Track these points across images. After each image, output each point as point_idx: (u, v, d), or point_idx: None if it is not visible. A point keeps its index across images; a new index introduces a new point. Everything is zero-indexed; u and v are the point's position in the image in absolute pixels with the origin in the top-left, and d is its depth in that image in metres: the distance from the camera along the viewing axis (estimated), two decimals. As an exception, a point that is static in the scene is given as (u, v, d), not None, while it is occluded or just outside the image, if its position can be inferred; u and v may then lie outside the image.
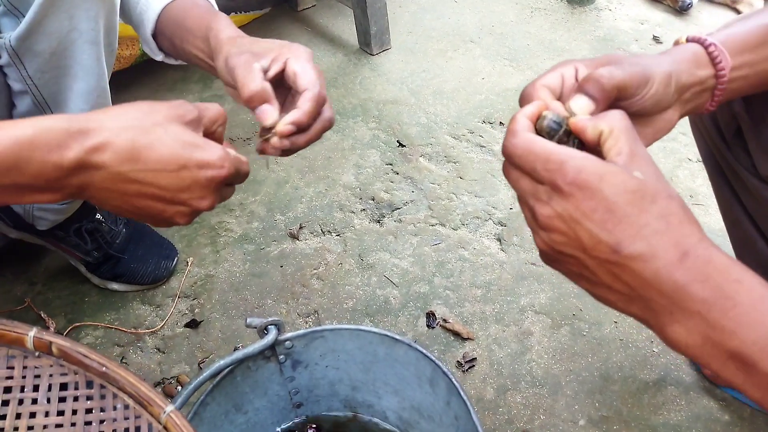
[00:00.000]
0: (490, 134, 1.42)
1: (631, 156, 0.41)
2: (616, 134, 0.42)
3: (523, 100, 0.48)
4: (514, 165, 0.43)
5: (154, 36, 0.74)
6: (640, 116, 0.51)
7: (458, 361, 0.98)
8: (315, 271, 1.14)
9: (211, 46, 0.63)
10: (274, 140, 0.58)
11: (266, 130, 0.58)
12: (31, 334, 0.42)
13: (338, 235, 1.20)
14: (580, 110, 0.45)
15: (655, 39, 1.70)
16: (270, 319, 0.64)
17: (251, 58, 0.59)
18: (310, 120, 0.58)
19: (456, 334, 1.02)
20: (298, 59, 0.60)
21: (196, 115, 0.52)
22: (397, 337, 0.65)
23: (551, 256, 0.43)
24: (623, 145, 0.41)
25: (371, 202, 1.27)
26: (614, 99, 0.47)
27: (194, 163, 0.49)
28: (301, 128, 0.58)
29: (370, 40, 1.62)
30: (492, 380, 0.96)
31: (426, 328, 1.04)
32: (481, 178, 1.31)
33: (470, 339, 1.01)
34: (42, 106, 0.76)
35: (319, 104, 0.59)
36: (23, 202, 0.48)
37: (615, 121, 0.42)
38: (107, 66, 0.78)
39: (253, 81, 0.58)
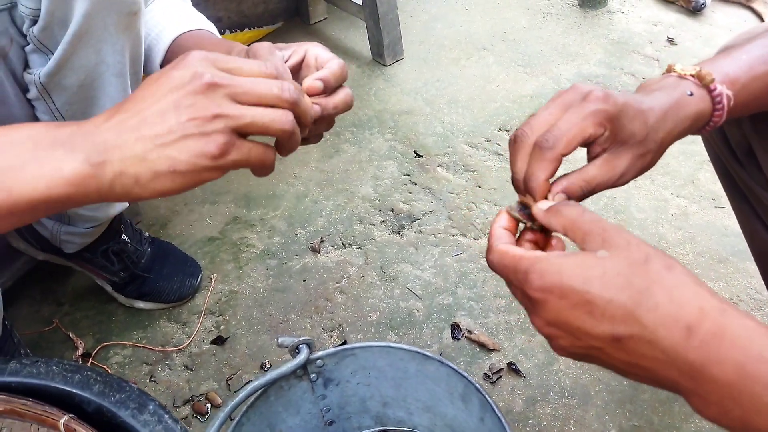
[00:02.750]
0: (507, 142, 1.41)
1: (598, 238, 0.41)
2: (575, 226, 0.42)
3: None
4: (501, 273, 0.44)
5: (162, 66, 0.75)
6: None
7: (485, 373, 0.98)
8: (338, 284, 1.14)
9: None
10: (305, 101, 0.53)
11: None
12: (62, 420, 0.42)
13: (359, 248, 1.21)
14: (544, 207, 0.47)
15: (670, 41, 1.69)
16: (301, 338, 0.64)
17: (272, 47, 0.59)
18: (335, 81, 0.55)
19: (482, 346, 1.02)
20: (317, 47, 0.60)
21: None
22: (428, 353, 0.65)
23: (572, 356, 0.42)
24: (586, 232, 0.41)
25: (390, 213, 1.27)
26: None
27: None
28: (327, 89, 0.55)
29: (383, 51, 1.63)
30: (520, 392, 0.96)
31: (451, 340, 1.03)
32: (500, 187, 1.31)
33: (496, 350, 1.01)
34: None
35: (344, 73, 0.56)
36: (55, 195, 0.43)
37: (570, 215, 0.43)
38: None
39: (275, 61, 0.55)
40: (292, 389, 0.66)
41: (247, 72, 0.46)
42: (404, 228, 1.24)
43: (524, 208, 0.49)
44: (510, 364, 0.99)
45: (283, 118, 0.45)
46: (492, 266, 0.44)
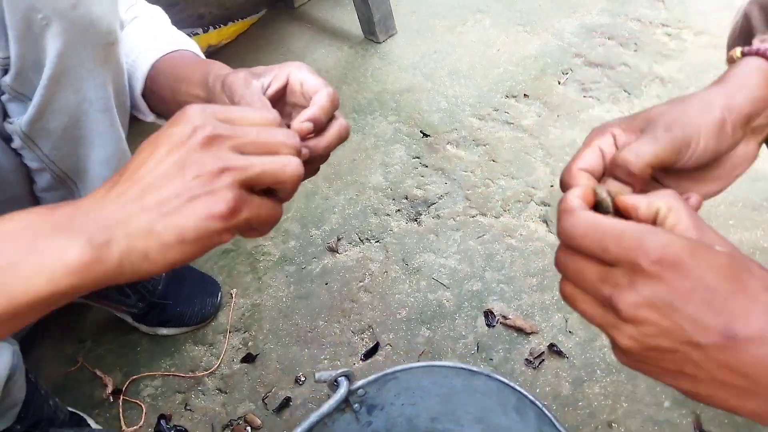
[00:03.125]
0: (516, 109, 1.35)
1: (701, 232, 0.36)
2: (677, 211, 0.37)
3: (564, 188, 0.44)
4: (575, 248, 0.37)
5: (144, 95, 0.71)
6: (702, 169, 0.46)
7: (526, 359, 0.94)
8: (361, 283, 1.10)
9: (210, 86, 0.58)
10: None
11: None
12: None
13: (378, 242, 1.16)
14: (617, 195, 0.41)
15: (674, -25, 1.59)
16: (339, 371, 0.61)
17: (249, 76, 0.54)
18: (326, 117, 0.52)
19: (519, 330, 0.98)
20: (301, 70, 0.55)
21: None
22: (474, 368, 0.62)
23: (639, 356, 0.35)
24: (688, 221, 0.36)
25: (405, 201, 1.22)
26: (653, 172, 0.43)
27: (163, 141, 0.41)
28: (318, 128, 0.51)
29: (374, 28, 1.55)
30: (565, 373, 0.93)
31: (486, 328, 1.00)
32: (514, 158, 1.25)
33: (534, 333, 0.97)
34: (62, 179, 0.73)
35: (334, 103, 0.52)
36: (59, 289, 0.39)
37: (671, 199, 0.37)
38: (123, 126, 0.74)
39: (252, 96, 0.52)
40: (336, 423, 0.63)
41: (249, 121, 0.43)
42: (421, 214, 1.19)
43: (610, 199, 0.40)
44: (551, 346, 0.95)
45: (292, 165, 0.42)
46: (572, 230, 0.37)
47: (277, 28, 1.69)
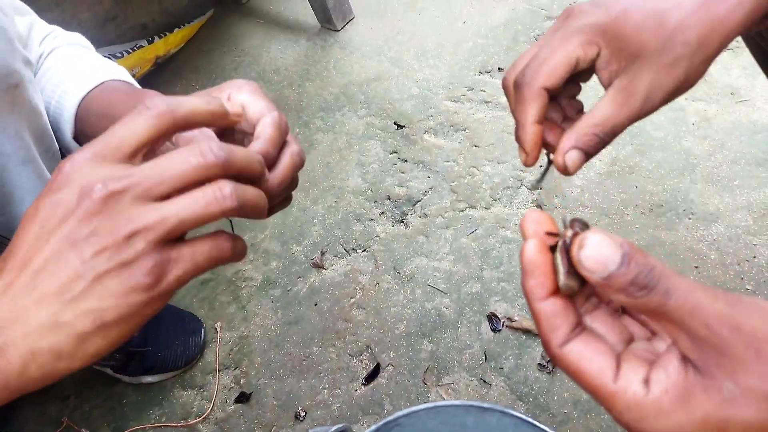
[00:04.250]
0: (492, 85, 1.27)
1: (714, 348, 0.26)
2: (671, 317, 0.26)
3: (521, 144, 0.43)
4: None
5: (77, 138, 0.62)
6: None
7: (539, 364, 0.88)
8: (352, 300, 1.03)
9: None
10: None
11: None
12: None
13: (365, 251, 1.09)
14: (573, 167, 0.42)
15: None
16: (336, 426, 0.54)
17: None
18: (276, 149, 0.43)
19: (527, 332, 0.92)
20: (241, 91, 0.46)
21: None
22: (486, 405, 0.55)
23: None
24: (696, 335, 0.26)
25: (387, 202, 1.14)
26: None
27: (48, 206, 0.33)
28: (269, 163, 0.42)
29: (329, 14, 1.45)
30: (581, 374, 0.86)
31: (492, 334, 0.93)
32: (497, 141, 1.17)
33: (543, 333, 0.91)
34: (1, 242, 0.64)
35: (282, 129, 0.44)
36: None
37: (659, 297, 0.27)
38: (52, 171, 0.65)
39: (193, 135, 0.43)
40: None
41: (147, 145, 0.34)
42: (407, 215, 1.11)
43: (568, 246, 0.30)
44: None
45: (219, 195, 0.33)
46: (562, 368, 0.30)
47: (227, 28, 1.58)
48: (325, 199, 1.17)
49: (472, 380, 0.89)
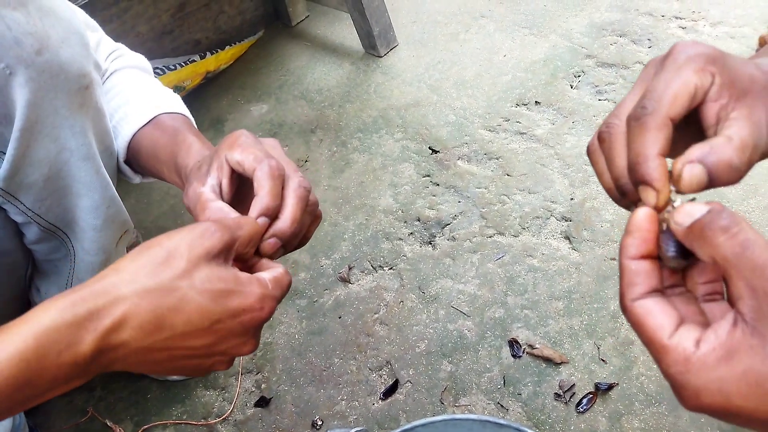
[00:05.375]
0: (528, 117, 1.29)
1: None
2: (742, 270, 0.30)
3: (636, 176, 0.36)
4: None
5: (127, 161, 0.69)
6: None
7: (556, 393, 0.88)
8: (376, 315, 1.05)
9: (184, 178, 0.57)
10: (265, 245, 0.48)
11: None
12: None
13: (391, 269, 1.11)
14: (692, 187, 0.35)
15: (685, -35, 1.52)
16: (354, 429, 0.55)
17: (197, 185, 0.51)
18: (276, 199, 0.48)
19: (547, 360, 0.92)
20: (233, 150, 0.51)
21: (225, 242, 0.44)
22: (502, 421, 0.56)
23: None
24: (756, 289, 0.29)
25: (417, 223, 1.17)
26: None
27: (229, 314, 0.42)
28: (274, 213, 0.48)
29: (374, 41, 1.50)
30: (601, 407, 0.86)
31: (512, 359, 0.94)
32: (530, 171, 1.19)
33: (564, 363, 0.91)
34: (51, 230, 0.69)
35: (277, 177, 0.49)
36: (47, 398, 0.41)
37: (735, 245, 0.30)
38: (110, 171, 0.70)
39: (204, 213, 0.50)
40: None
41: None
42: (435, 237, 1.14)
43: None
44: (585, 378, 0.89)
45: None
46: (626, 314, 0.34)
47: (275, 48, 1.65)
48: (357, 216, 1.20)
49: (489, 403, 0.90)
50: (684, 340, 0.30)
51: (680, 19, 1.43)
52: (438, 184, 1.22)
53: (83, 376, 0.41)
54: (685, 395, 0.29)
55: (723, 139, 0.34)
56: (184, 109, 0.69)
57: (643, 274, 0.33)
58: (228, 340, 0.43)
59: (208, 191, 0.50)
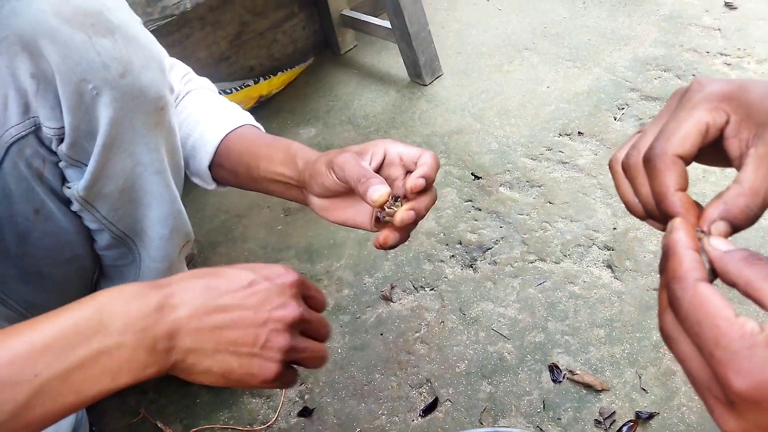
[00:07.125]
0: (571, 147, 1.32)
1: None
2: None
3: (658, 205, 0.38)
4: (679, 318, 0.34)
5: (210, 167, 0.75)
6: None
7: (596, 420, 0.89)
8: (417, 334, 1.08)
9: (300, 169, 0.65)
10: (400, 214, 0.56)
11: (379, 220, 0.59)
12: None
13: (432, 290, 1.14)
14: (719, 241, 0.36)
15: (728, 5, 1.54)
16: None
17: (355, 155, 0.60)
18: (434, 174, 0.58)
19: (588, 387, 0.93)
20: (395, 145, 0.61)
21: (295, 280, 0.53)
22: (547, 436, 0.58)
23: None
24: None
25: (459, 246, 1.20)
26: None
27: (262, 276, 0.50)
28: (428, 185, 0.58)
29: (420, 70, 1.56)
30: (640, 435, 0.87)
31: (552, 384, 0.95)
32: (572, 200, 1.21)
33: (605, 390, 0.92)
34: (121, 238, 0.75)
35: (438, 163, 0.59)
36: (119, 386, 0.47)
37: None
38: (177, 185, 0.75)
39: (366, 171, 0.58)
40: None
41: (321, 302, 0.55)
42: (476, 260, 1.16)
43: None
44: (625, 406, 0.90)
45: (323, 356, 0.53)
46: (683, 306, 0.33)
47: (324, 75, 1.72)
48: (400, 237, 1.24)
49: (528, 426, 0.91)
50: (749, 321, 0.31)
51: (725, 55, 1.44)
52: (480, 209, 1.25)
53: (150, 348, 0.46)
54: (745, 371, 0.30)
55: (735, 191, 0.36)
56: (259, 126, 0.76)
57: (701, 264, 0.34)
58: (269, 300, 0.49)
59: (365, 163, 0.59)
